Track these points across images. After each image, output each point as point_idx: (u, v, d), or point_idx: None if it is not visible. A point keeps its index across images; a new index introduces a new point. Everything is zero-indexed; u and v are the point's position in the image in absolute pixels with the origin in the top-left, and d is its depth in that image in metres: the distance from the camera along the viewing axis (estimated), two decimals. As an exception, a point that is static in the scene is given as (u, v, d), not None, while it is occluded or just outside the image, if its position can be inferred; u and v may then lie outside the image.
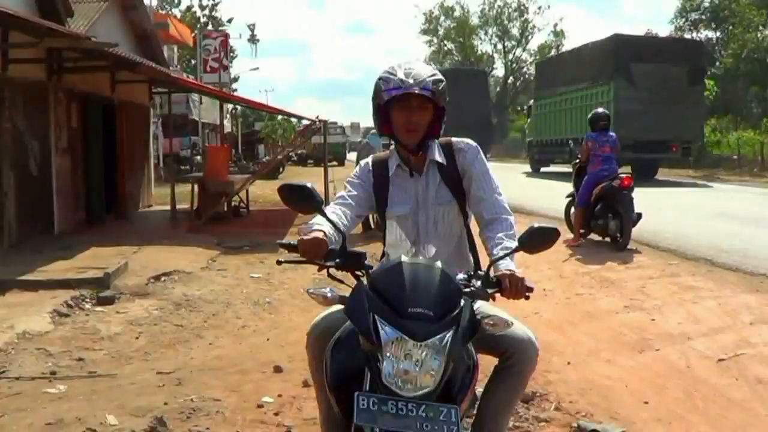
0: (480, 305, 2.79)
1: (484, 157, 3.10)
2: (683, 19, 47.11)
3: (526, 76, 68.34)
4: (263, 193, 20.70)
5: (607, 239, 10.38)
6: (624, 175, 10.22)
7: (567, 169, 21.26)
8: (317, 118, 17.18)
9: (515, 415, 4.27)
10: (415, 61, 3.04)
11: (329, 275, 2.73)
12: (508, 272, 2.66)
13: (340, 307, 2.62)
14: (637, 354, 5.63)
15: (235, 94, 35.82)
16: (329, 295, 2.59)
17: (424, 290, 2.37)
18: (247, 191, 16.81)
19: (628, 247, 9.96)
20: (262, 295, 8.25)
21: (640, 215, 10.04)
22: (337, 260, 2.65)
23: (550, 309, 7.09)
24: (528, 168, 33.14)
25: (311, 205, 2.68)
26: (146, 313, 7.45)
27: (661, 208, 14.49)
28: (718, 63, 43.84)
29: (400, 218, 3.07)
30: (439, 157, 3.04)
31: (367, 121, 51.20)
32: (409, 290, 2.35)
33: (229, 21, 51.66)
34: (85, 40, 9.70)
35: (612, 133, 10.82)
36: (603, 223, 10.24)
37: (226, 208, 15.27)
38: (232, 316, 7.36)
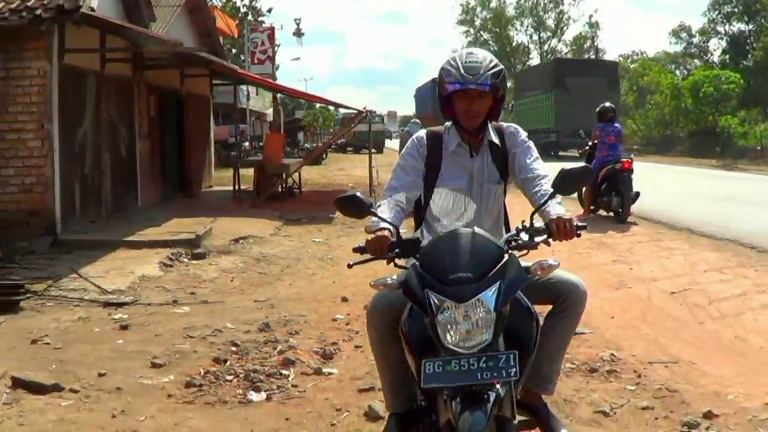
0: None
1: (527, 137, 3.37)
2: (716, 12, 47.85)
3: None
4: (310, 176, 22.69)
5: (611, 213, 12.13)
6: (624, 159, 11.96)
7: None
8: (365, 108, 18.93)
9: None
10: (477, 51, 3.19)
11: (395, 265, 2.92)
12: (554, 217, 2.87)
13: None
14: (614, 290, 7.47)
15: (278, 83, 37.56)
16: (389, 281, 2.80)
17: (462, 256, 2.59)
18: (299, 173, 18.73)
19: (629, 220, 11.74)
20: (325, 253, 10.16)
21: (638, 193, 11.83)
22: (396, 250, 2.87)
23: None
24: None
25: (363, 210, 2.93)
26: (234, 265, 9.35)
27: (664, 190, 16.44)
28: (749, 56, 44.65)
29: (454, 191, 3.28)
30: (494, 138, 3.29)
31: (404, 109, 52.79)
32: (448, 259, 2.61)
33: (269, 11, 52.01)
34: (179, 46, 11.61)
35: (617, 124, 12.57)
36: (607, 200, 12.08)
37: (281, 189, 17.20)
38: (302, 267, 9.25)
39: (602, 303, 6.84)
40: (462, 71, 3.04)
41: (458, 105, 3.13)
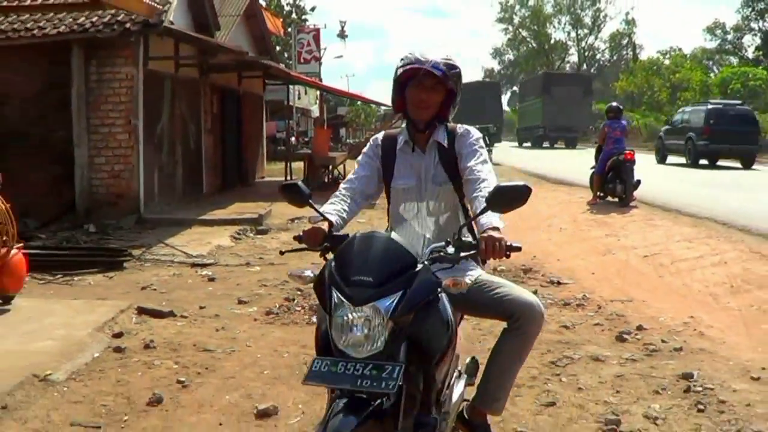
0: (480, 274, 3.13)
1: (480, 141, 3.27)
2: (750, 9, 48.58)
3: (600, 63, 70.08)
4: (352, 168, 24.43)
5: (617, 199, 13.85)
6: (627, 151, 13.73)
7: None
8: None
9: (515, 272, 7.79)
10: (435, 49, 3.18)
11: (325, 259, 2.83)
12: (485, 234, 2.75)
13: None
14: (600, 256, 9.22)
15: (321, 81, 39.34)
16: (305, 273, 2.80)
17: (370, 260, 2.49)
18: (344, 166, 20.54)
19: (632, 204, 13.44)
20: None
21: (639, 181, 13.60)
22: (326, 244, 2.89)
23: (558, 237, 10.81)
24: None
25: (302, 200, 2.97)
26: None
27: (668, 179, 18.70)
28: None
29: (404, 191, 3.26)
30: (441, 138, 3.22)
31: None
32: (356, 261, 2.50)
33: (312, 9, 52.86)
34: (246, 55, 13.49)
35: (623, 121, 14.40)
36: (612, 186, 13.89)
37: (327, 179, 19.04)
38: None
39: (587, 264, 8.60)
40: (417, 56, 3.09)
41: (410, 95, 3.16)
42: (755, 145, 25.39)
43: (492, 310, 3.07)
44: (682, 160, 25.75)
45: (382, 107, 43.88)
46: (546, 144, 47.26)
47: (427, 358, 2.60)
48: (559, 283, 7.76)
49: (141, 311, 6.86)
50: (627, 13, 75.22)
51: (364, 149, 3.43)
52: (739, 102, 28.42)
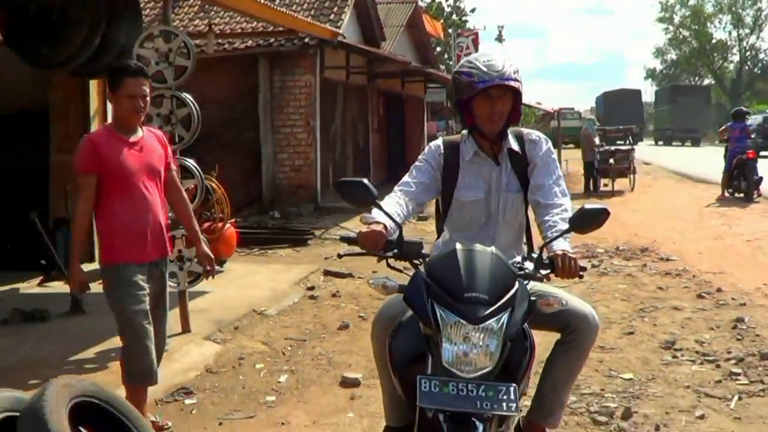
0: (535, 285, 2.81)
1: (552, 150, 3.17)
2: None
3: (764, 62, 66.91)
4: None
5: (742, 195, 14.58)
6: (749, 150, 14.48)
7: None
8: (553, 109, 21.74)
9: (634, 251, 8.94)
10: (489, 51, 3.09)
11: (388, 265, 2.75)
12: (560, 253, 2.71)
13: (401, 296, 2.59)
14: (711, 240, 10.51)
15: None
16: (388, 284, 2.60)
17: (479, 275, 2.43)
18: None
19: (755, 199, 14.14)
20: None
21: (761, 178, 14.24)
22: (395, 251, 2.69)
23: (681, 226, 11.99)
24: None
25: (367, 199, 2.76)
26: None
27: None
28: None
29: (472, 202, 3.08)
30: (513, 145, 3.08)
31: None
32: (465, 276, 2.42)
33: (473, 11, 52.83)
34: (409, 64, 15.16)
35: (744, 123, 15.32)
36: (737, 183, 14.71)
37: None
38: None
39: (698, 247, 9.91)
40: (485, 69, 2.88)
41: (480, 109, 2.96)
42: None
43: (546, 321, 2.86)
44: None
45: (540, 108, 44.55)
46: (676, 143, 51.46)
47: (513, 376, 2.52)
48: (668, 259, 9.04)
49: (326, 273, 8.56)
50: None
51: (424, 154, 3.19)
52: None
